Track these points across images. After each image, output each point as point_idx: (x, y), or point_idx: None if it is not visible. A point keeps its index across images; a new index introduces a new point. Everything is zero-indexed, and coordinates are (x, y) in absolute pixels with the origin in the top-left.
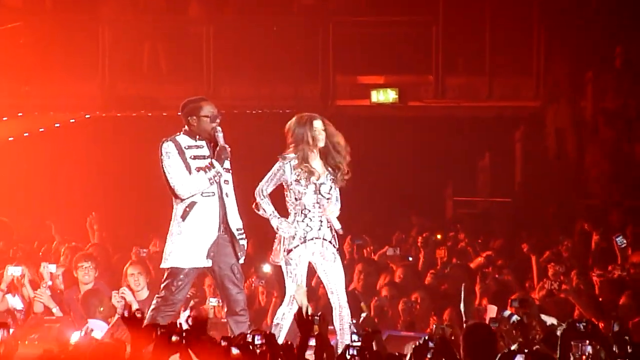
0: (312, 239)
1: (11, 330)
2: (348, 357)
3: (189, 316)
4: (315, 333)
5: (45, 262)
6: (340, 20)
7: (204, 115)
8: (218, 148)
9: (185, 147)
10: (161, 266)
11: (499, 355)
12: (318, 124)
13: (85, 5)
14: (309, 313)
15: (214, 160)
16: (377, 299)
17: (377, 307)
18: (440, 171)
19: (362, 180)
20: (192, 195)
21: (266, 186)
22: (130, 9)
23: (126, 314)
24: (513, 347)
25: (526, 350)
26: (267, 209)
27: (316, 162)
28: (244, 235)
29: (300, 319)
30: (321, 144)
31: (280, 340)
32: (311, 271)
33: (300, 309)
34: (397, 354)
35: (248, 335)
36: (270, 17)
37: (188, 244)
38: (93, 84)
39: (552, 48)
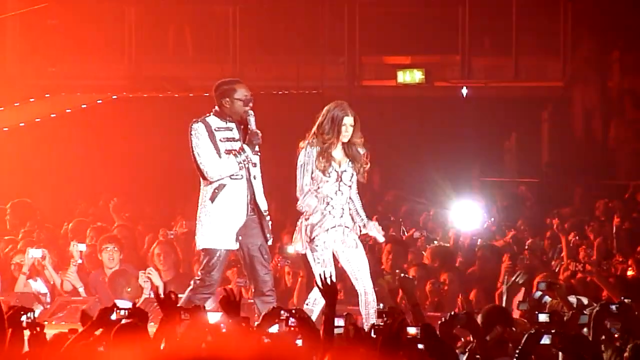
0: (334, 227)
1: (37, 313)
2: (373, 335)
3: (222, 297)
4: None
5: (74, 241)
6: (366, 1)
7: (237, 98)
8: (249, 132)
9: (215, 129)
10: (196, 248)
11: (526, 334)
12: (348, 120)
13: None
14: (333, 279)
15: (244, 145)
16: (432, 282)
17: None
18: (466, 152)
19: (387, 160)
20: (221, 178)
21: (302, 177)
22: None
23: (161, 294)
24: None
25: (553, 331)
26: (311, 202)
27: (337, 152)
28: (268, 217)
29: (324, 286)
30: (345, 140)
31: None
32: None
33: (321, 275)
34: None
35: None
36: None
37: (217, 226)
38: (120, 65)
39: (578, 28)
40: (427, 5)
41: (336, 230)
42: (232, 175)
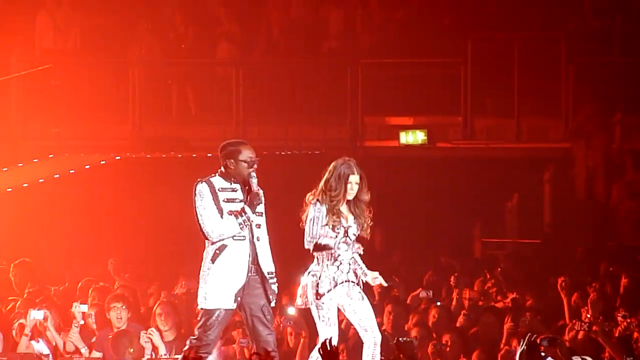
0: (342, 283)
1: None
2: None
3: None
4: None
5: (76, 302)
6: (368, 62)
7: (242, 160)
8: (251, 194)
9: (219, 189)
10: (198, 307)
11: None
12: (354, 178)
13: (115, 48)
14: (334, 344)
15: (245, 206)
16: (433, 344)
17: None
18: (468, 212)
19: (390, 220)
20: (223, 239)
21: (314, 230)
22: (160, 51)
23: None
24: None
25: None
26: (327, 242)
27: (344, 208)
28: (275, 280)
29: (325, 351)
30: (350, 197)
31: None
32: (339, 315)
33: (324, 341)
34: None
35: None
36: (299, 59)
37: (217, 286)
38: (123, 125)
39: (580, 89)
40: (429, 66)
41: (343, 286)
42: (235, 236)
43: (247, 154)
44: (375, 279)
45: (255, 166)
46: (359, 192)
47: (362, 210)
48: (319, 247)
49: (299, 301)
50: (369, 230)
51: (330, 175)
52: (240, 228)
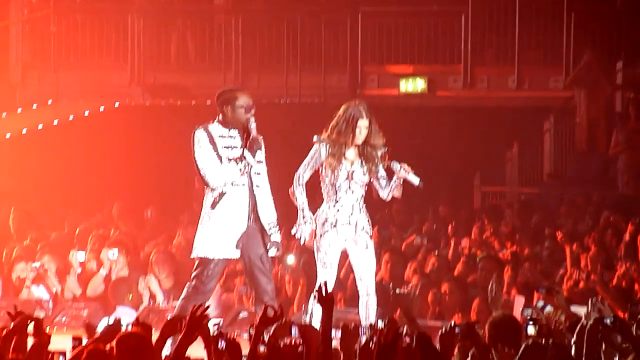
0: (342, 225)
1: (41, 315)
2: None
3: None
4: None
5: (74, 249)
6: (368, 10)
7: (239, 106)
8: (250, 139)
9: (217, 136)
10: (191, 256)
11: (524, 345)
12: (363, 123)
13: None
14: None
15: (245, 151)
16: (434, 292)
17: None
18: (468, 161)
19: (388, 169)
20: (223, 185)
21: (303, 171)
22: None
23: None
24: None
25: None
26: (299, 198)
27: (350, 152)
28: (277, 229)
29: (321, 296)
30: (359, 142)
31: (315, 325)
32: (342, 260)
33: (320, 285)
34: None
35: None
36: (299, 6)
37: (217, 234)
38: (122, 72)
39: (581, 38)
40: (429, 15)
41: (346, 229)
42: (234, 182)
43: (243, 99)
44: (402, 173)
45: (253, 112)
46: (368, 136)
47: (372, 155)
48: (296, 197)
49: (308, 243)
50: (377, 175)
51: (340, 119)
52: (241, 174)
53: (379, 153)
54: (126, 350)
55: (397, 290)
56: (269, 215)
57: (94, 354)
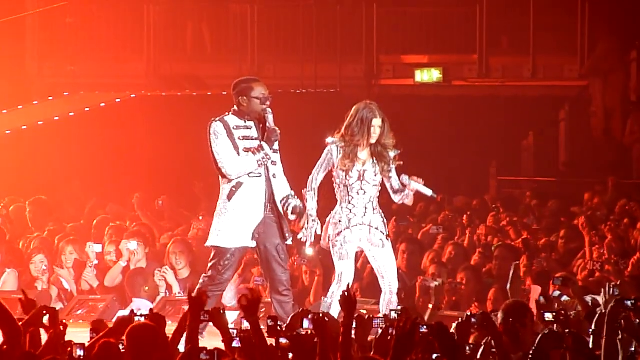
0: (356, 225)
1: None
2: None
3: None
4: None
5: (90, 242)
6: (384, 0)
7: (254, 97)
8: (267, 130)
9: (233, 128)
10: (206, 244)
11: (540, 335)
12: (377, 122)
13: None
14: (353, 291)
15: (263, 143)
16: (422, 279)
17: (422, 287)
18: (484, 151)
19: (405, 160)
20: (240, 176)
21: (317, 173)
22: None
23: (194, 294)
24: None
25: (567, 331)
26: (309, 203)
27: (364, 153)
28: (295, 197)
29: (344, 299)
30: (373, 141)
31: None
32: (357, 253)
33: (344, 290)
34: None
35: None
36: None
37: (234, 224)
38: (138, 63)
39: (596, 27)
40: (445, 4)
41: (360, 229)
42: (251, 173)
43: (259, 90)
44: (413, 185)
45: (269, 102)
46: (381, 136)
47: (384, 155)
48: (304, 197)
49: (323, 243)
50: (388, 175)
51: (353, 120)
52: (259, 165)
53: (392, 154)
54: (137, 342)
55: (435, 283)
56: (285, 190)
57: (105, 347)
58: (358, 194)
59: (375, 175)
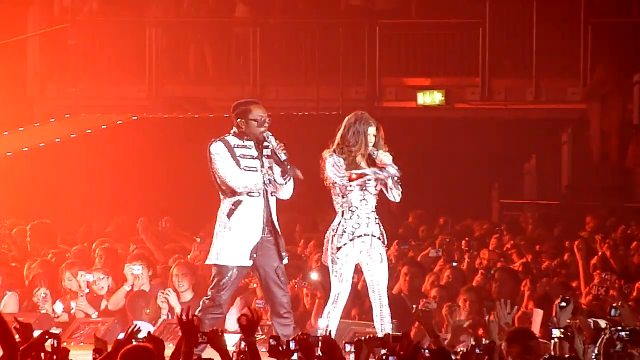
0: (360, 237)
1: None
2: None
3: (243, 315)
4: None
5: (83, 270)
6: (386, 22)
7: (252, 119)
8: (272, 151)
9: (234, 146)
10: (206, 262)
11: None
12: (372, 130)
13: (132, 8)
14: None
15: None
16: (425, 301)
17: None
18: (486, 173)
19: (407, 182)
20: (241, 193)
21: (339, 175)
22: (177, 11)
23: (184, 318)
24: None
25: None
26: (363, 172)
27: (361, 162)
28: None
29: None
30: (368, 151)
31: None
32: (357, 272)
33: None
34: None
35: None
36: (318, 19)
37: (232, 242)
38: (140, 85)
39: (598, 50)
40: (447, 27)
41: (363, 241)
42: (250, 192)
43: (257, 113)
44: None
45: (267, 125)
46: (375, 145)
47: (374, 164)
48: (353, 178)
49: (325, 259)
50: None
51: (347, 130)
52: (263, 184)
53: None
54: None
55: (421, 309)
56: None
57: None
58: (361, 203)
59: (376, 186)
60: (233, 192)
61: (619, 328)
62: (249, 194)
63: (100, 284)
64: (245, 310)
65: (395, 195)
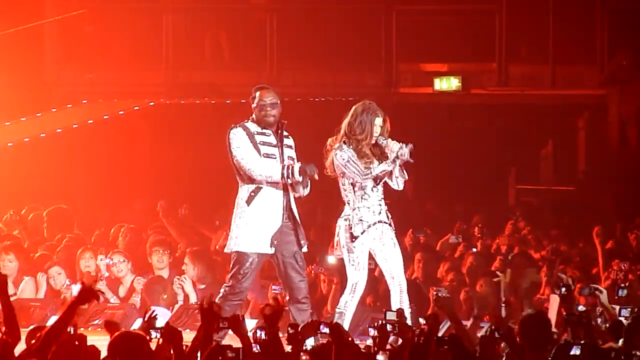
0: (374, 224)
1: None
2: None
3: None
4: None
5: (102, 254)
6: (403, 8)
7: (257, 104)
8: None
9: (254, 133)
10: (225, 250)
11: (556, 346)
12: (379, 120)
13: None
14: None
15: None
16: (466, 291)
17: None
18: (503, 159)
19: (423, 168)
20: (267, 179)
21: (358, 168)
22: None
23: (205, 305)
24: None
25: (582, 342)
26: (384, 166)
27: (368, 151)
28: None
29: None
30: (374, 140)
31: (345, 328)
32: (371, 258)
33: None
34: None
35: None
36: (334, 5)
37: (252, 230)
38: (157, 71)
39: (615, 36)
40: (464, 13)
41: (376, 228)
42: (269, 179)
43: (260, 96)
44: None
45: (270, 109)
46: (381, 134)
47: (384, 152)
48: (378, 178)
49: (337, 250)
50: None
51: (354, 119)
52: (282, 177)
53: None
54: (118, 351)
55: (440, 294)
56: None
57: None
58: (372, 191)
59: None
60: (251, 179)
61: None
62: (268, 182)
63: (120, 266)
64: (270, 299)
65: (399, 183)
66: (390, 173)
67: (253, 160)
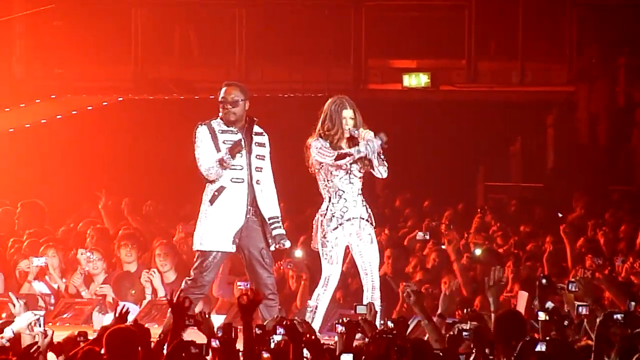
0: (349, 220)
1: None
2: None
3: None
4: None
5: (82, 248)
6: (372, 4)
7: (220, 101)
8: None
9: (218, 132)
10: (193, 248)
11: (521, 342)
12: (348, 113)
13: None
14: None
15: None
16: (405, 284)
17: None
18: (471, 156)
19: (392, 164)
20: (219, 180)
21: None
22: None
23: (174, 300)
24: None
25: (547, 338)
26: (348, 152)
27: (344, 145)
28: (279, 225)
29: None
30: (347, 133)
31: (317, 322)
32: (345, 255)
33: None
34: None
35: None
36: (304, 1)
37: (214, 228)
38: (126, 66)
39: (584, 33)
40: (433, 9)
41: (352, 224)
42: (233, 178)
43: (224, 94)
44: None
45: (227, 105)
46: (354, 127)
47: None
48: (341, 155)
49: (314, 244)
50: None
51: (325, 116)
52: (220, 164)
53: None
54: (115, 345)
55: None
56: (271, 210)
57: (88, 354)
58: (347, 186)
59: (361, 168)
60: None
61: (612, 311)
62: (233, 180)
63: (97, 264)
64: (246, 289)
65: (382, 171)
66: (371, 163)
67: (206, 163)
